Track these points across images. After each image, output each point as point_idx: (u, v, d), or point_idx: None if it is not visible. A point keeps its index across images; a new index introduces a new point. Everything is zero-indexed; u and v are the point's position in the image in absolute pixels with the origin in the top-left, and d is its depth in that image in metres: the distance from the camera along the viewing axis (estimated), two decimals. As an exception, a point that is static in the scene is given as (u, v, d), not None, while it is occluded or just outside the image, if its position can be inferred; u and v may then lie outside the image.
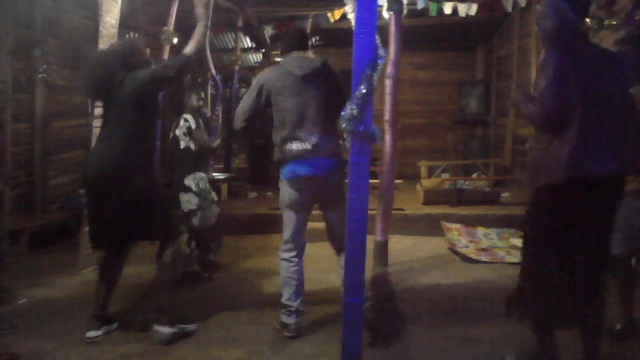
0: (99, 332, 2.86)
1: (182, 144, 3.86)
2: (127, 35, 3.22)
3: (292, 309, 2.93)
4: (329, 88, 2.90)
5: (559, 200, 2.25)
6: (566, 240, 2.27)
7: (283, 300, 2.96)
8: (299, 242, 3.00)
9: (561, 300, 2.30)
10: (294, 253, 2.99)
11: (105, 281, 2.97)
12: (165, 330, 2.80)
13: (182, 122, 3.89)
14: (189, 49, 3.02)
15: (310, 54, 3.02)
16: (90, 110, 4.22)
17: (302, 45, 3.03)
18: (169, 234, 2.97)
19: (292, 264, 2.98)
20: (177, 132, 3.88)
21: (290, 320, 2.93)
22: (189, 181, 3.85)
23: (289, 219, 2.98)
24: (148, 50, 3.11)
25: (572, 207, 2.24)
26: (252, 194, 7.32)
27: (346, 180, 2.55)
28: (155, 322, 2.83)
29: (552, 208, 2.28)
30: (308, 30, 7.58)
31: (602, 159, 2.16)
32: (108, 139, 2.85)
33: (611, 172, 2.18)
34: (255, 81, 2.98)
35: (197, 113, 4.04)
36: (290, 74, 2.88)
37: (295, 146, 2.83)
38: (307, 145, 2.81)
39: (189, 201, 3.84)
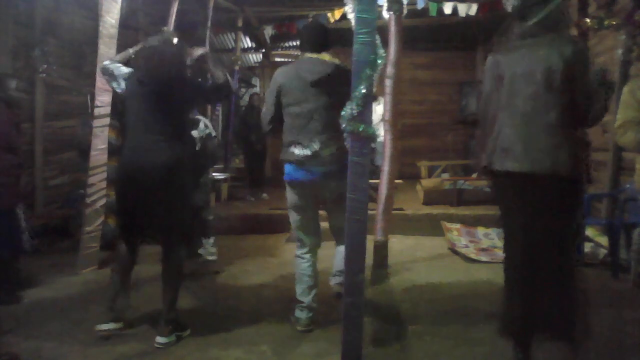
0: (115, 325, 2.87)
1: (197, 146, 3.92)
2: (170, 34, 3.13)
3: (303, 305, 2.98)
4: (339, 93, 2.71)
5: (500, 194, 2.38)
6: (515, 238, 2.30)
7: (297, 295, 3.03)
8: (307, 240, 3.04)
9: (520, 303, 2.25)
10: (303, 250, 3.05)
11: (125, 275, 2.97)
12: (165, 340, 2.78)
13: (202, 125, 3.96)
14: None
15: (325, 56, 2.93)
16: (90, 110, 4.22)
17: (317, 47, 2.95)
18: (186, 239, 3.01)
19: (303, 260, 3.04)
20: (195, 133, 3.94)
21: (301, 315, 2.98)
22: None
23: (293, 218, 3.05)
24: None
25: (509, 203, 2.32)
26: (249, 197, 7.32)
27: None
28: (160, 334, 2.79)
29: (499, 202, 2.42)
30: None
31: (522, 156, 2.15)
32: (156, 131, 2.80)
33: (531, 170, 2.15)
34: (273, 80, 2.98)
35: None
36: (300, 77, 2.86)
37: (297, 150, 2.85)
38: (308, 151, 2.82)
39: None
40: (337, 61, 2.93)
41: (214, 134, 4.07)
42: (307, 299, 2.99)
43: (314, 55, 2.93)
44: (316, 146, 2.81)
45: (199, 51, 3.08)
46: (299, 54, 3.08)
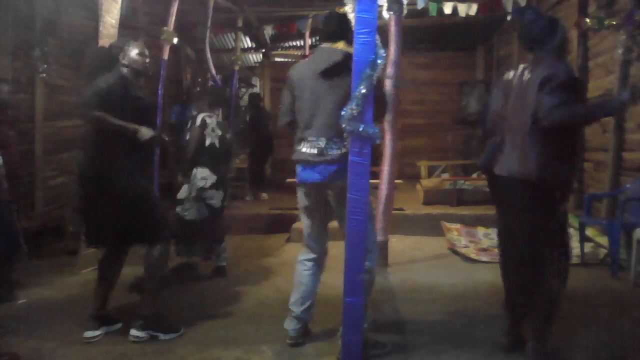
0: (96, 333, 2.85)
1: (209, 141, 3.91)
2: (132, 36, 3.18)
3: (293, 314, 2.77)
4: (348, 85, 2.42)
5: (492, 193, 2.83)
6: (501, 232, 2.83)
7: (289, 304, 2.80)
8: (314, 247, 2.80)
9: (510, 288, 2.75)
10: (307, 257, 2.81)
11: (104, 281, 2.96)
12: (138, 334, 2.79)
13: (209, 120, 3.93)
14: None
15: (341, 44, 2.63)
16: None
17: (332, 36, 2.68)
18: (157, 238, 2.89)
19: (304, 267, 2.80)
20: (207, 131, 3.91)
21: (289, 326, 2.77)
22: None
23: (303, 222, 2.84)
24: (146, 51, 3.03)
25: (495, 199, 2.82)
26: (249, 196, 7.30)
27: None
28: (133, 326, 2.81)
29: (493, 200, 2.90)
30: (308, 30, 7.60)
31: (504, 162, 2.53)
32: (94, 137, 2.85)
33: (509, 174, 2.51)
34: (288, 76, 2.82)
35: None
36: (310, 68, 2.63)
37: (304, 149, 2.63)
38: (314, 150, 2.58)
39: (205, 177, 3.88)
40: (350, 50, 2.46)
41: (219, 133, 3.99)
42: (298, 309, 2.74)
43: (327, 45, 2.68)
44: (322, 144, 2.57)
45: None
46: (298, 53, 3.07)
